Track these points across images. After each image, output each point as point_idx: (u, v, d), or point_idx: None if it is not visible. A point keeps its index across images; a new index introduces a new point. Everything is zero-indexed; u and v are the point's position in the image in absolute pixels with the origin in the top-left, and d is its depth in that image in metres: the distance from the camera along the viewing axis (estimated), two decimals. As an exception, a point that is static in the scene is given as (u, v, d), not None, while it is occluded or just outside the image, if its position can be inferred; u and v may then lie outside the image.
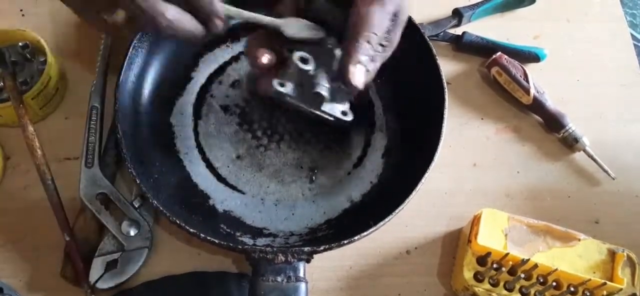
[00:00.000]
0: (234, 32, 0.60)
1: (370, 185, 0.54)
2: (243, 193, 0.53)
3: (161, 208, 0.44)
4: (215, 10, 0.38)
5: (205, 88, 0.57)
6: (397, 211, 0.45)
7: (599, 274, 0.49)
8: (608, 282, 0.47)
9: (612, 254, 0.49)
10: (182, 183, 0.52)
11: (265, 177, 0.53)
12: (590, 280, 0.46)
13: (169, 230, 0.52)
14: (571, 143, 0.58)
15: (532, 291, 0.47)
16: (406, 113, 0.56)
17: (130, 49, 0.52)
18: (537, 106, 0.59)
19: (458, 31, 0.64)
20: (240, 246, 0.44)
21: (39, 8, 0.63)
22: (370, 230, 0.45)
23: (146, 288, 0.49)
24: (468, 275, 0.48)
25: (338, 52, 0.42)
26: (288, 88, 0.42)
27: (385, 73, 0.58)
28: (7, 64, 0.53)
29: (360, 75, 0.40)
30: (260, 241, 0.50)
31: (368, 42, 0.40)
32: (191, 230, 0.44)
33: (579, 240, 0.50)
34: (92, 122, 0.54)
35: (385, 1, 0.40)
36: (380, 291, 0.51)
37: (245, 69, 0.58)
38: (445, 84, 0.52)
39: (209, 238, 0.43)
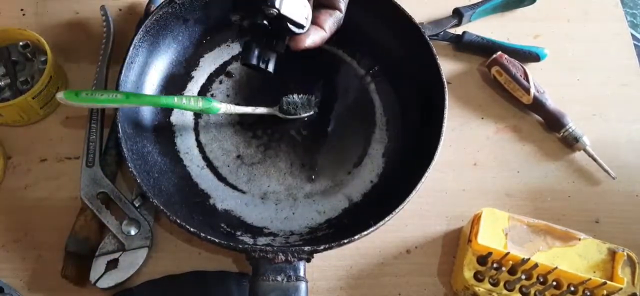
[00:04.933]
0: (234, 32, 0.60)
1: (371, 184, 0.54)
2: (243, 192, 0.53)
3: (161, 208, 0.44)
4: None
5: (205, 88, 0.57)
6: (397, 210, 0.45)
7: (599, 273, 0.49)
8: (608, 282, 0.47)
9: (612, 254, 0.49)
10: (183, 183, 0.52)
11: (265, 176, 0.53)
12: (590, 279, 0.46)
13: (170, 229, 0.52)
14: (571, 142, 0.58)
15: (533, 290, 0.47)
16: (406, 112, 0.56)
17: (131, 48, 0.52)
18: (538, 105, 0.59)
19: (458, 31, 0.64)
20: (240, 246, 0.44)
21: (39, 8, 0.63)
22: (371, 229, 0.45)
23: (147, 288, 0.49)
24: (468, 274, 0.48)
25: None
26: None
27: (385, 72, 0.59)
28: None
29: None
30: (261, 241, 0.50)
31: None
32: (191, 229, 0.44)
33: (579, 239, 0.50)
34: (93, 122, 0.54)
35: None
36: (381, 290, 0.51)
37: (245, 68, 0.58)
38: (445, 84, 0.52)
39: (209, 237, 0.43)
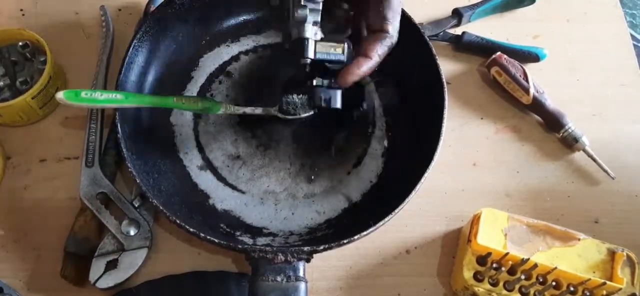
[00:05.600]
0: (233, 33, 0.60)
1: (370, 184, 0.54)
2: (243, 192, 0.53)
3: (161, 208, 0.44)
4: None
5: (205, 88, 0.57)
6: (396, 211, 0.45)
7: (599, 274, 0.49)
8: (608, 282, 0.47)
9: (612, 254, 0.49)
10: (182, 183, 0.52)
11: (264, 176, 0.53)
12: (589, 279, 0.47)
13: (169, 229, 0.52)
14: (571, 143, 0.58)
15: (532, 291, 0.47)
16: (406, 113, 0.56)
17: (131, 49, 0.52)
18: (537, 106, 0.59)
19: (458, 31, 0.64)
20: (239, 246, 0.44)
21: (39, 8, 0.63)
22: (370, 229, 0.45)
23: (146, 288, 0.49)
24: (468, 274, 0.48)
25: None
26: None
27: (385, 72, 0.59)
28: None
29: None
30: (260, 241, 0.50)
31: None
32: (191, 229, 0.44)
33: (579, 239, 0.50)
34: (92, 122, 0.54)
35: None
36: (380, 291, 0.51)
37: (244, 68, 0.59)
38: (445, 84, 0.52)
39: (208, 237, 0.43)
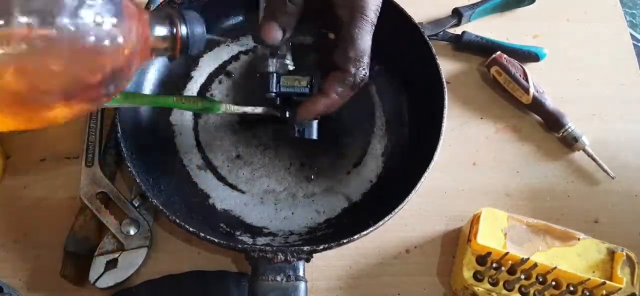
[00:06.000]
0: (233, 32, 0.60)
1: (370, 184, 0.54)
2: (243, 192, 0.53)
3: (161, 207, 0.45)
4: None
5: (205, 87, 0.57)
6: (396, 210, 0.45)
7: (599, 273, 0.49)
8: (607, 281, 0.47)
9: (612, 253, 0.49)
10: (182, 182, 0.52)
11: (264, 176, 0.53)
12: (589, 279, 0.47)
13: (169, 229, 0.52)
14: (571, 142, 0.58)
15: (532, 290, 0.47)
16: (406, 112, 0.56)
17: (130, 48, 0.52)
18: (537, 105, 0.59)
19: (457, 30, 0.64)
20: (239, 246, 0.44)
21: (38, 7, 0.63)
22: (370, 229, 0.45)
23: (146, 287, 0.49)
24: (467, 274, 0.48)
25: None
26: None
27: (385, 72, 0.59)
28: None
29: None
30: (260, 241, 0.50)
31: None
32: (191, 229, 0.44)
33: (579, 239, 0.50)
34: (92, 121, 0.54)
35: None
36: (380, 290, 0.51)
37: (244, 68, 0.59)
38: (444, 83, 0.52)
39: (208, 237, 0.43)
